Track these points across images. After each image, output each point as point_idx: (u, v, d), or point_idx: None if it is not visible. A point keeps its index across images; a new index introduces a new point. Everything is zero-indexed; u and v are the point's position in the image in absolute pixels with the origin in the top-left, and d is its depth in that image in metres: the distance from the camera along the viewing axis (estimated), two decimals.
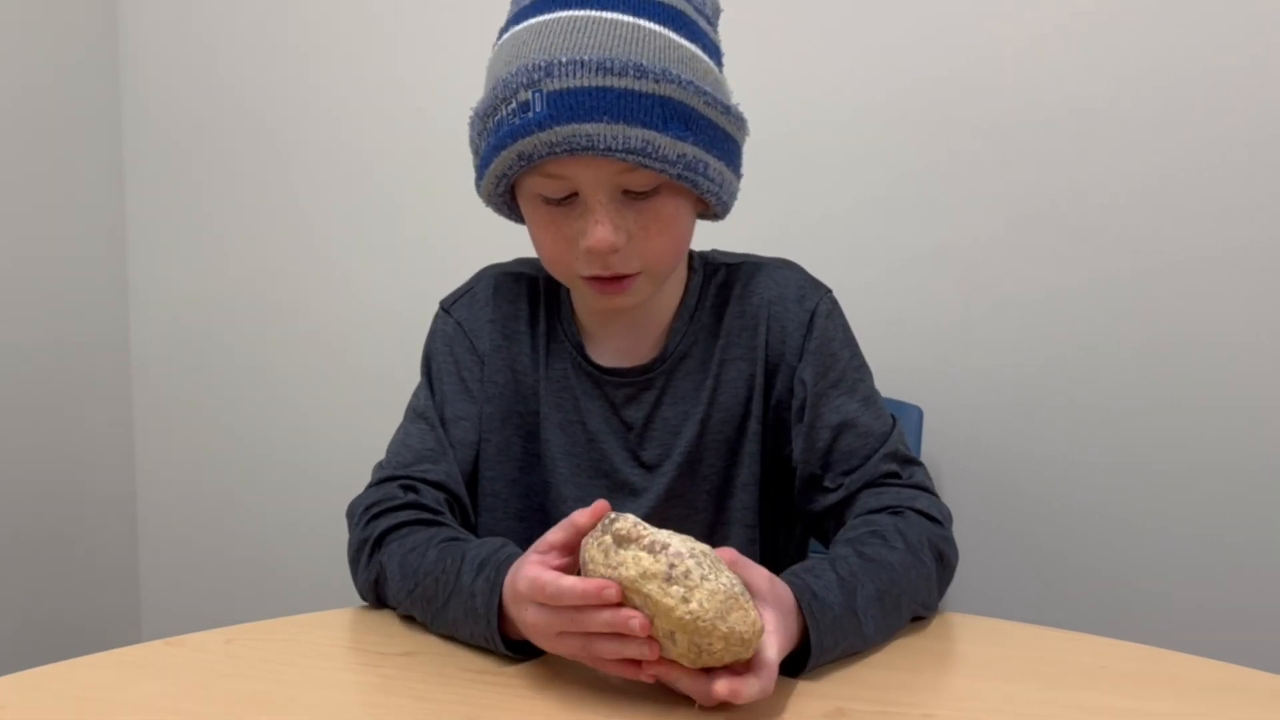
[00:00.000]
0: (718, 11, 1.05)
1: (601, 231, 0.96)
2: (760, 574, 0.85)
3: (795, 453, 1.08)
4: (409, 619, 0.98)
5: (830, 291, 1.13)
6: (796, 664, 0.86)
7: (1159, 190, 1.48)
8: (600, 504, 0.83)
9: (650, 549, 0.77)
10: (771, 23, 1.62)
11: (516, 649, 0.88)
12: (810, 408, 1.07)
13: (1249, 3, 1.42)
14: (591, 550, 0.80)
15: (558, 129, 0.92)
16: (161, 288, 2.07)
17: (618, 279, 1.00)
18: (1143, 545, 1.54)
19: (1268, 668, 0.89)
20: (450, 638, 0.94)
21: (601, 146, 0.92)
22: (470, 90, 1.03)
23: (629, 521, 0.79)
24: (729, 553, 0.83)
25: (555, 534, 0.85)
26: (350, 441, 1.50)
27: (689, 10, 0.99)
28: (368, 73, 1.89)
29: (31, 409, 1.92)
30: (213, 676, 0.87)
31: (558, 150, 0.93)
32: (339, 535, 1.06)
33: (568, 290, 1.12)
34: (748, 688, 0.77)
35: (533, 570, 0.82)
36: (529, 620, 0.84)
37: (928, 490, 1.06)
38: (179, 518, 2.12)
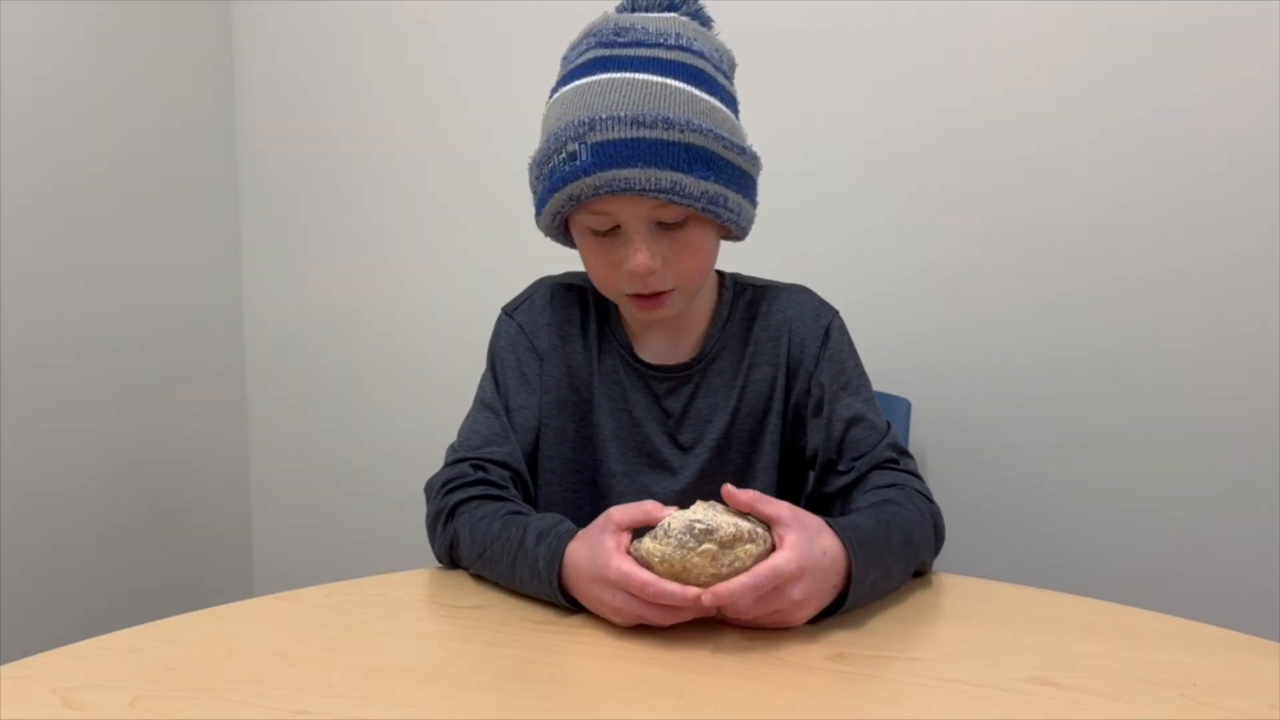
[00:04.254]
0: (733, 66, 1.05)
1: (641, 258, 0.97)
2: (782, 506, 0.86)
3: (812, 443, 1.09)
4: (477, 578, 0.99)
5: (839, 313, 1.14)
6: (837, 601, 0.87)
7: (1113, 216, 1.48)
8: (658, 507, 0.86)
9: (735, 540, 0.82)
10: (787, 78, 1.63)
11: (573, 602, 0.89)
12: (827, 405, 1.08)
13: (1190, 58, 1.42)
14: (693, 557, 0.82)
15: (600, 174, 0.94)
16: (270, 300, 2.09)
17: (655, 295, 1.01)
18: (1104, 518, 1.53)
19: (1212, 622, 0.88)
20: (513, 591, 0.94)
21: (637, 187, 0.94)
22: (530, 137, 1.03)
23: (726, 522, 0.83)
24: (750, 493, 0.86)
25: (625, 514, 0.87)
26: (426, 431, 1.50)
27: (708, 68, 0.99)
28: (444, 122, 1.90)
29: (163, 404, 1.94)
30: (314, 625, 0.88)
31: (601, 191, 0.95)
32: (418, 508, 1.06)
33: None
34: (728, 590, 0.81)
35: (626, 565, 0.83)
36: (606, 601, 0.85)
37: (919, 477, 1.07)
38: (284, 495, 2.14)
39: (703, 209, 0.97)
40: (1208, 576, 1.48)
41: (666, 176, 0.94)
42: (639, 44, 0.97)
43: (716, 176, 0.97)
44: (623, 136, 0.93)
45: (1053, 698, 0.74)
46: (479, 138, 1.87)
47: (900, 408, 1.47)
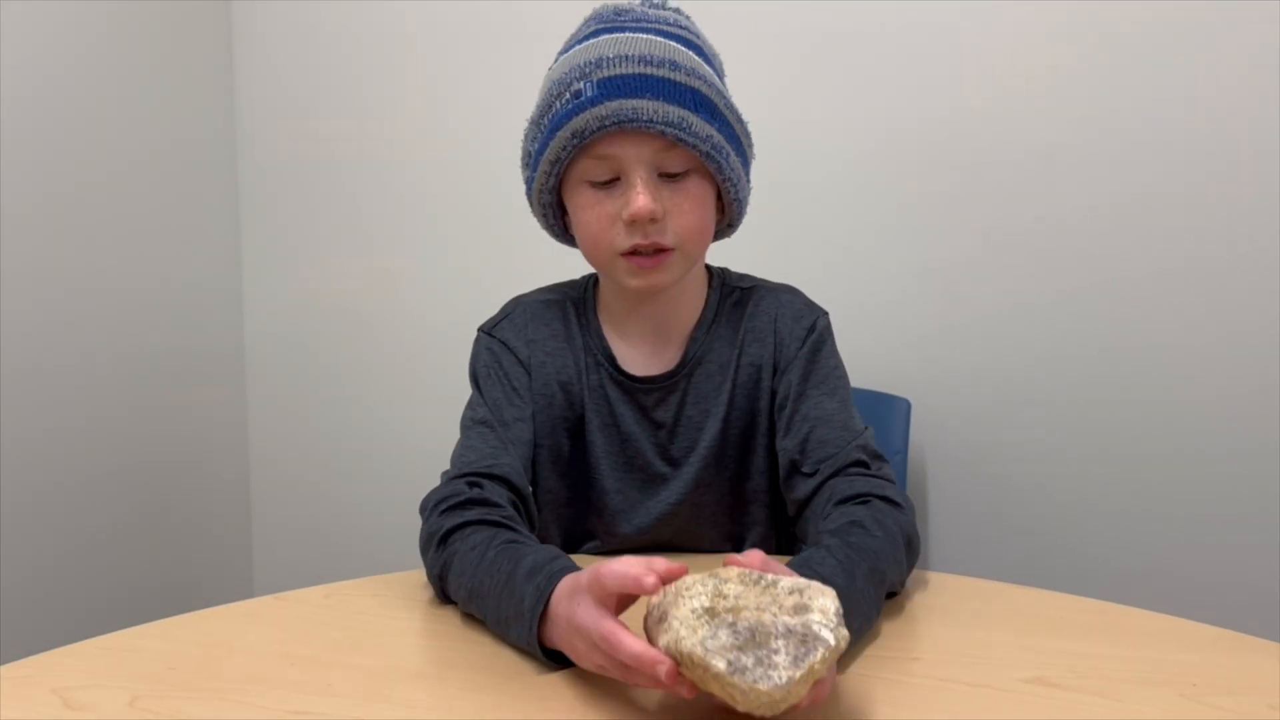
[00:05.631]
0: (723, 72, 1.05)
1: (642, 200, 0.94)
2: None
3: (780, 443, 1.05)
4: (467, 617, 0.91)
5: (826, 313, 1.10)
6: None
7: (1113, 216, 1.48)
8: (678, 568, 0.71)
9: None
10: (788, 80, 1.63)
11: (551, 655, 0.79)
12: (793, 401, 1.04)
13: (1190, 58, 1.42)
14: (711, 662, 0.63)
15: (608, 104, 0.93)
16: (270, 300, 2.10)
17: (653, 255, 0.98)
18: (1104, 518, 1.53)
19: (1212, 622, 0.88)
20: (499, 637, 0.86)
21: (645, 118, 0.93)
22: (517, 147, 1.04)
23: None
24: (757, 555, 0.74)
25: (614, 580, 0.72)
26: (426, 431, 1.50)
27: (705, 48, 1.02)
28: (444, 122, 1.91)
29: (163, 404, 1.94)
30: (314, 625, 0.88)
31: (608, 124, 0.93)
32: (414, 510, 1.05)
33: (595, 309, 1.10)
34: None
35: (604, 625, 0.71)
36: (580, 651, 0.75)
37: (892, 482, 1.00)
38: (284, 495, 2.14)
39: (706, 154, 0.95)
40: (1207, 576, 1.47)
41: (675, 112, 0.93)
42: (640, 20, 0.99)
43: (720, 126, 0.97)
44: (631, 71, 0.93)
45: (1053, 698, 0.74)
46: (479, 138, 1.87)
47: (900, 408, 1.47)
